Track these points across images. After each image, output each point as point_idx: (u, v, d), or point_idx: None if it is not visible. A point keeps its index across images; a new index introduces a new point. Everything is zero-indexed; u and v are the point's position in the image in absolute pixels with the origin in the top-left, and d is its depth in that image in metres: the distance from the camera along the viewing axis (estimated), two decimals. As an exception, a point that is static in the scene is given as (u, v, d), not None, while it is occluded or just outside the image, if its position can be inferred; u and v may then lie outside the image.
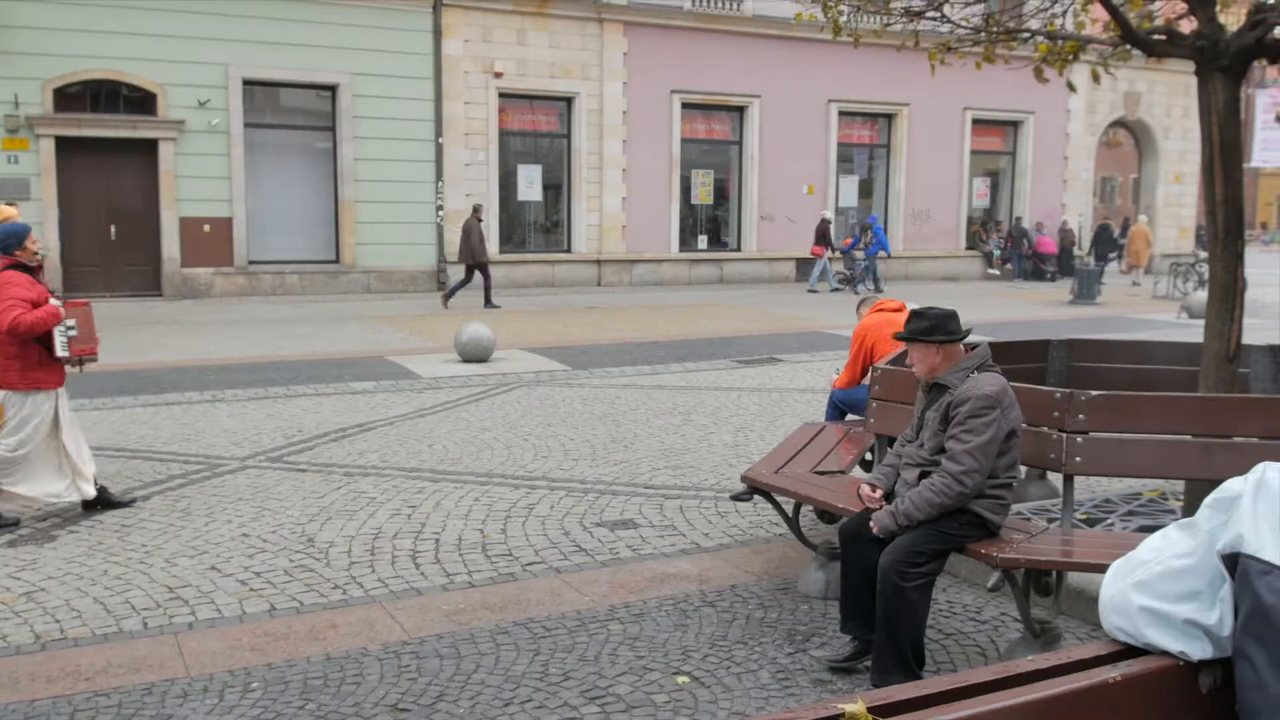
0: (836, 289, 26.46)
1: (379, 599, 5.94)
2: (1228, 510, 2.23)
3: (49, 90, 20.78)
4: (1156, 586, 2.30)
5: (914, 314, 5.10)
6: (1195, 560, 2.27)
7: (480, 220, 21.79)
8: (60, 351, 7.22)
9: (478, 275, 21.71)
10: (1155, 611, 2.29)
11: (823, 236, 26.92)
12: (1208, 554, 2.25)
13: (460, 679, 4.93)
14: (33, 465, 7.28)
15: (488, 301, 21.61)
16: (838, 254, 27.78)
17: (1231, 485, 2.26)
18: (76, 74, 20.98)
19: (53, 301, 7.20)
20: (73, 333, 7.26)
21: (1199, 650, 2.28)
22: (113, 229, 21.63)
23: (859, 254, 27.67)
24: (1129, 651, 2.34)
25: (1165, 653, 2.30)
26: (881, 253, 27.32)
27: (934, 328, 4.95)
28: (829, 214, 27.60)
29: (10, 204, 9.07)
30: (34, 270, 7.29)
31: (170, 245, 22.02)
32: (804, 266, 28.60)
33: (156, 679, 4.93)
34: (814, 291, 26.22)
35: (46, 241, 20.91)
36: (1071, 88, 8.71)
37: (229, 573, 6.33)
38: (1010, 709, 2.12)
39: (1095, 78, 7.43)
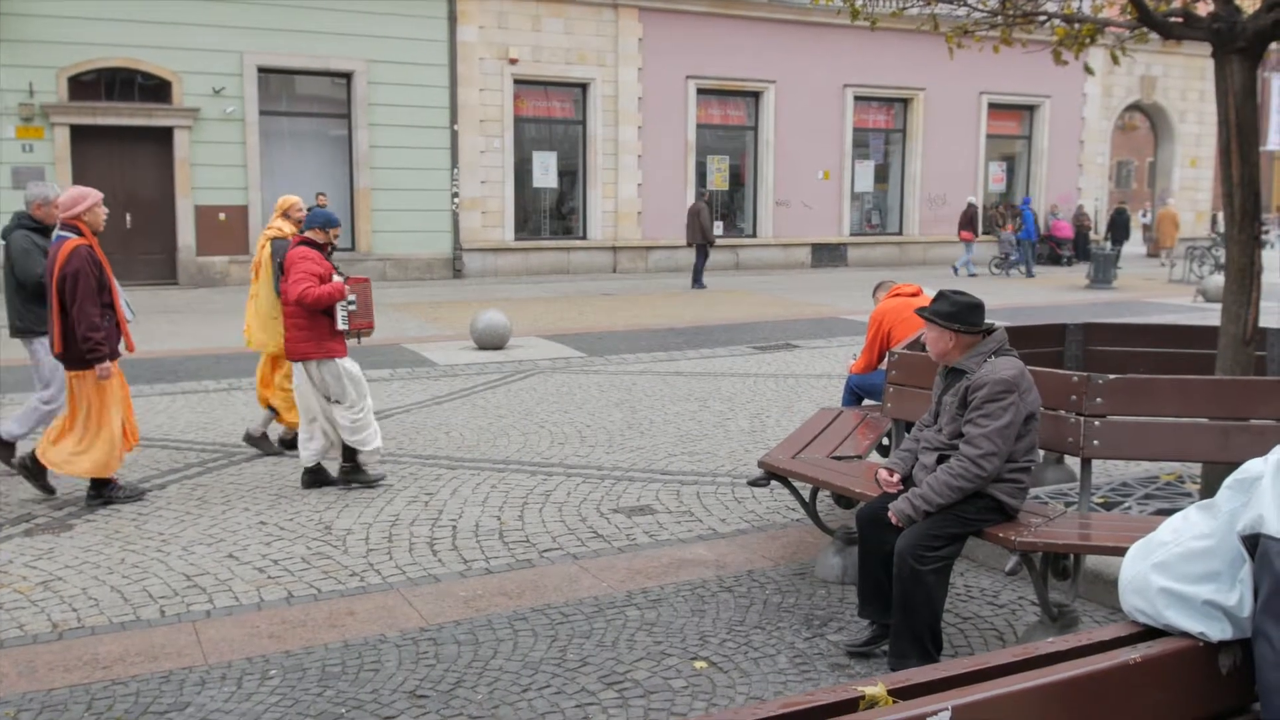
0: (973, 274, 26.82)
1: (397, 586, 5.96)
2: (1248, 491, 2.22)
3: (64, 79, 20.85)
4: (1176, 568, 2.30)
5: (941, 295, 5.07)
6: (1215, 541, 2.26)
7: (707, 203, 23.86)
8: (341, 325, 7.72)
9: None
10: (1175, 593, 2.28)
11: (970, 221, 27.31)
12: (1228, 535, 2.24)
13: (478, 665, 4.94)
14: (370, 419, 7.83)
15: (696, 280, 23.10)
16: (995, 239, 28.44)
17: (1251, 466, 2.25)
18: (91, 62, 21.05)
19: (336, 278, 7.69)
20: (352, 307, 7.77)
21: (1218, 631, 2.27)
22: (128, 217, 21.69)
23: (1005, 235, 28.17)
24: (1149, 633, 2.34)
25: (1185, 634, 2.29)
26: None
27: (955, 314, 4.93)
28: (975, 199, 27.94)
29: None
30: (323, 248, 7.80)
31: (185, 234, 22.09)
32: (819, 252, 28.57)
33: (174, 667, 4.94)
34: (970, 275, 26.63)
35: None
36: (1089, 70, 8.67)
37: (246, 560, 6.36)
38: (1030, 691, 2.12)
39: (1115, 59, 7.39)
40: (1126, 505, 6.67)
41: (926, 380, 5.85)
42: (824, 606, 5.64)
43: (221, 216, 22.17)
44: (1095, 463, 5.89)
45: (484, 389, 11.62)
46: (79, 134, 21.09)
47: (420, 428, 9.74)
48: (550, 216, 26.50)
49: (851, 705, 2.04)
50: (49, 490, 7.57)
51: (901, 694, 2.09)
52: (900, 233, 30.13)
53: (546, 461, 8.58)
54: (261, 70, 22.51)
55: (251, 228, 22.51)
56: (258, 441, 8.89)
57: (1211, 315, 7.94)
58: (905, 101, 29.57)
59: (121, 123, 21.46)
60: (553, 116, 26.09)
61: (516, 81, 24.90)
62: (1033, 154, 31.92)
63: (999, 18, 7.39)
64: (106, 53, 21.11)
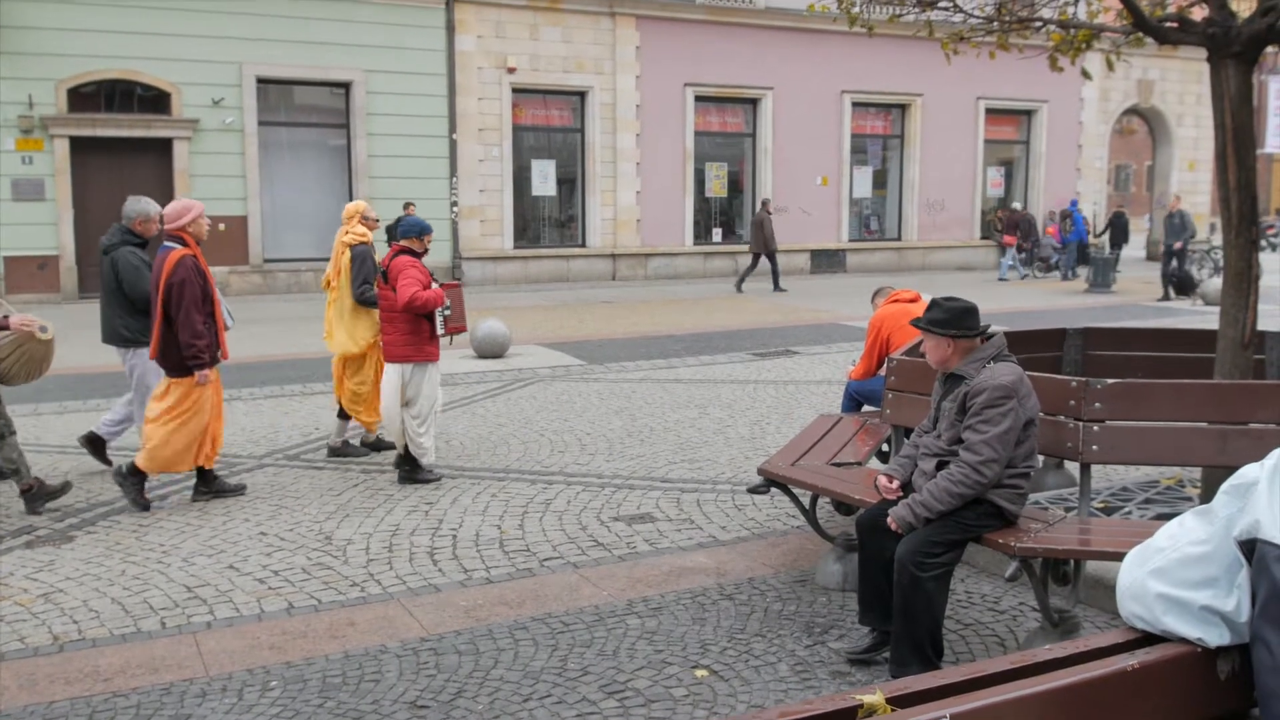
0: (1024, 275, 27.24)
1: (397, 596, 5.96)
2: (1244, 496, 2.23)
3: (63, 90, 20.89)
4: (1173, 573, 2.30)
5: (933, 303, 5.08)
6: (1212, 547, 2.26)
7: (770, 213, 24.65)
8: (439, 330, 8.19)
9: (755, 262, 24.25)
10: (1172, 598, 2.29)
11: (1014, 226, 27.69)
12: (1224, 540, 2.24)
13: (479, 675, 4.94)
14: (430, 432, 8.29)
15: (776, 285, 24.09)
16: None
17: (1248, 471, 2.25)
18: (90, 74, 21.09)
19: (433, 285, 8.17)
20: (448, 312, 8.24)
21: (1216, 636, 2.27)
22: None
23: (1047, 238, 28.60)
24: (1146, 639, 2.34)
25: (1183, 639, 2.30)
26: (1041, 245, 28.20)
27: (949, 321, 4.94)
28: (1020, 204, 28.42)
29: (407, 205, 10.10)
30: (419, 256, 8.28)
31: (185, 245, 22.05)
32: (818, 258, 28.58)
33: (175, 679, 4.94)
34: (1003, 280, 26.91)
35: (61, 242, 21.05)
36: (1086, 75, 8.66)
37: (247, 571, 6.35)
38: (1028, 698, 2.12)
39: (1110, 65, 7.40)
40: (1127, 510, 6.66)
41: (925, 386, 5.85)
42: (825, 614, 5.64)
43: (221, 227, 22.15)
44: (1095, 468, 5.89)
45: (483, 397, 11.62)
46: (78, 145, 21.12)
47: (420, 437, 9.73)
48: (549, 224, 26.51)
49: (850, 714, 2.05)
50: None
51: (900, 702, 2.10)
52: (899, 238, 30.14)
53: (546, 470, 8.58)
54: (260, 81, 22.54)
55: (251, 238, 22.54)
56: (341, 451, 9.08)
57: (1210, 319, 7.94)
58: (903, 107, 29.60)
59: (121, 134, 21.49)
60: (551, 125, 26.12)
61: (515, 90, 24.93)
62: (1031, 159, 31.95)
63: (995, 24, 7.40)
64: (106, 64, 21.15)
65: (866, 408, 7.99)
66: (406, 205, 21.38)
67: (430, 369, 8.19)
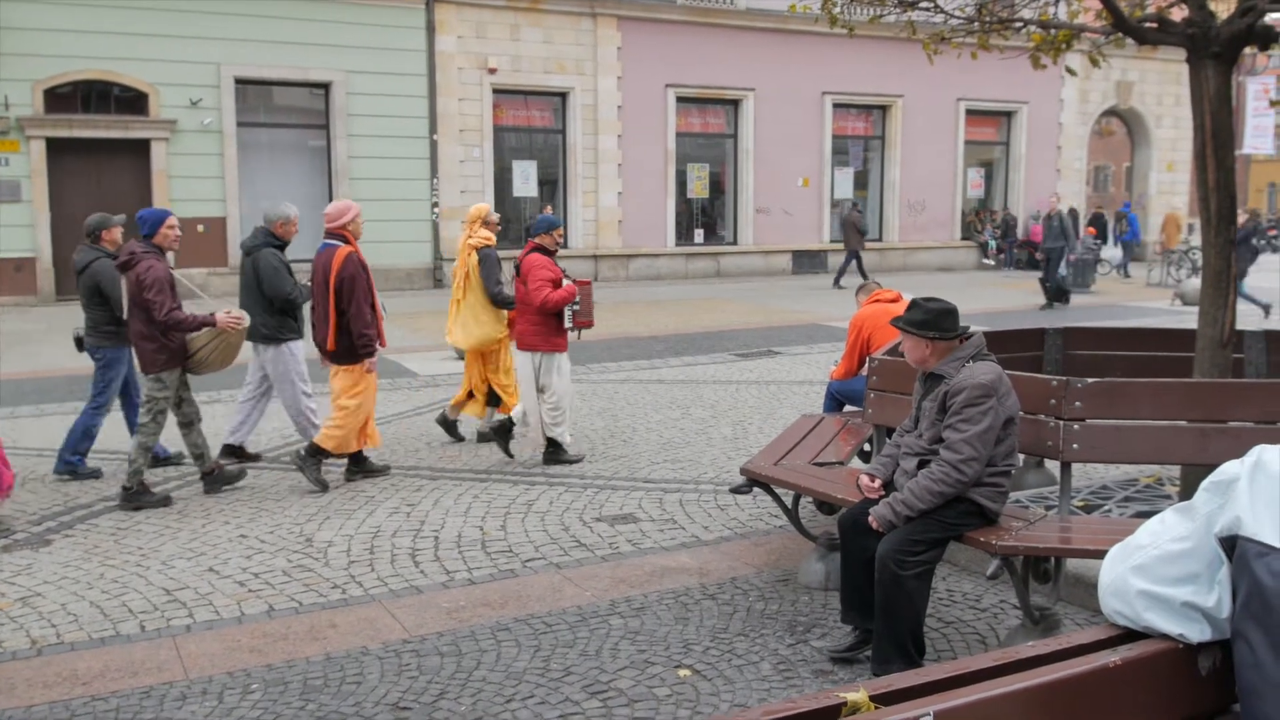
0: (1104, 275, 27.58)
1: (379, 598, 5.94)
2: (1225, 493, 2.23)
3: (39, 91, 20.75)
4: (1155, 570, 2.30)
5: (913, 304, 5.11)
6: (1193, 543, 2.27)
7: (860, 212, 26.09)
8: (567, 324, 8.63)
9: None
10: (1154, 595, 2.29)
11: (1091, 223, 28.95)
12: (1205, 537, 2.25)
13: (461, 676, 4.93)
14: (566, 416, 8.78)
15: (838, 280, 24.96)
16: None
17: (1228, 468, 2.26)
18: (67, 75, 20.95)
19: (565, 281, 8.59)
20: (576, 308, 8.64)
21: (1198, 633, 2.28)
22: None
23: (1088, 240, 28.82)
24: (1128, 635, 2.34)
25: (1164, 636, 2.30)
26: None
27: (928, 322, 4.96)
28: (1073, 205, 29.19)
29: (547, 205, 10.99)
30: (552, 253, 8.66)
31: (165, 246, 21.94)
32: (800, 259, 28.62)
33: (155, 682, 4.91)
34: (1063, 276, 27.10)
35: (38, 243, 20.92)
36: (1071, 71, 8.71)
37: (227, 574, 6.32)
38: (1011, 695, 2.12)
39: (1094, 63, 7.43)
40: (1106, 508, 6.69)
41: (907, 386, 5.86)
42: (807, 612, 5.64)
43: (200, 228, 22.07)
44: (1075, 466, 5.91)
45: (465, 399, 11.57)
46: (55, 147, 20.99)
47: (401, 438, 9.71)
48: (531, 226, 26.42)
49: (834, 712, 2.05)
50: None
51: (883, 699, 2.09)
52: (880, 239, 30.17)
53: (528, 471, 8.57)
54: (239, 81, 22.43)
55: (230, 239, 22.42)
56: (487, 436, 9.45)
57: (1189, 318, 7.98)
58: (884, 109, 29.66)
59: (98, 135, 21.36)
60: (532, 126, 26.09)
61: (495, 91, 24.89)
62: (1011, 160, 32.06)
63: (975, 24, 7.43)
64: (83, 65, 21.02)
65: (848, 408, 8.00)
66: (545, 205, 22.94)
67: (560, 359, 8.63)
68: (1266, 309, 17.75)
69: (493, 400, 9.54)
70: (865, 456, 7.24)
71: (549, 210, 24.25)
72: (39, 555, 6.67)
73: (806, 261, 28.78)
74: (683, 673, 4.92)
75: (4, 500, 7.31)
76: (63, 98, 21.19)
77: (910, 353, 5.08)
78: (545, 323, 8.52)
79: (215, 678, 4.95)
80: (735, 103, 27.69)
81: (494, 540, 6.86)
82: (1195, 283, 19.88)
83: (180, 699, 4.74)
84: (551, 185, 26.31)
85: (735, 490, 6.36)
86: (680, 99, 26.92)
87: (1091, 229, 29.72)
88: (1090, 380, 5.59)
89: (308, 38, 22.63)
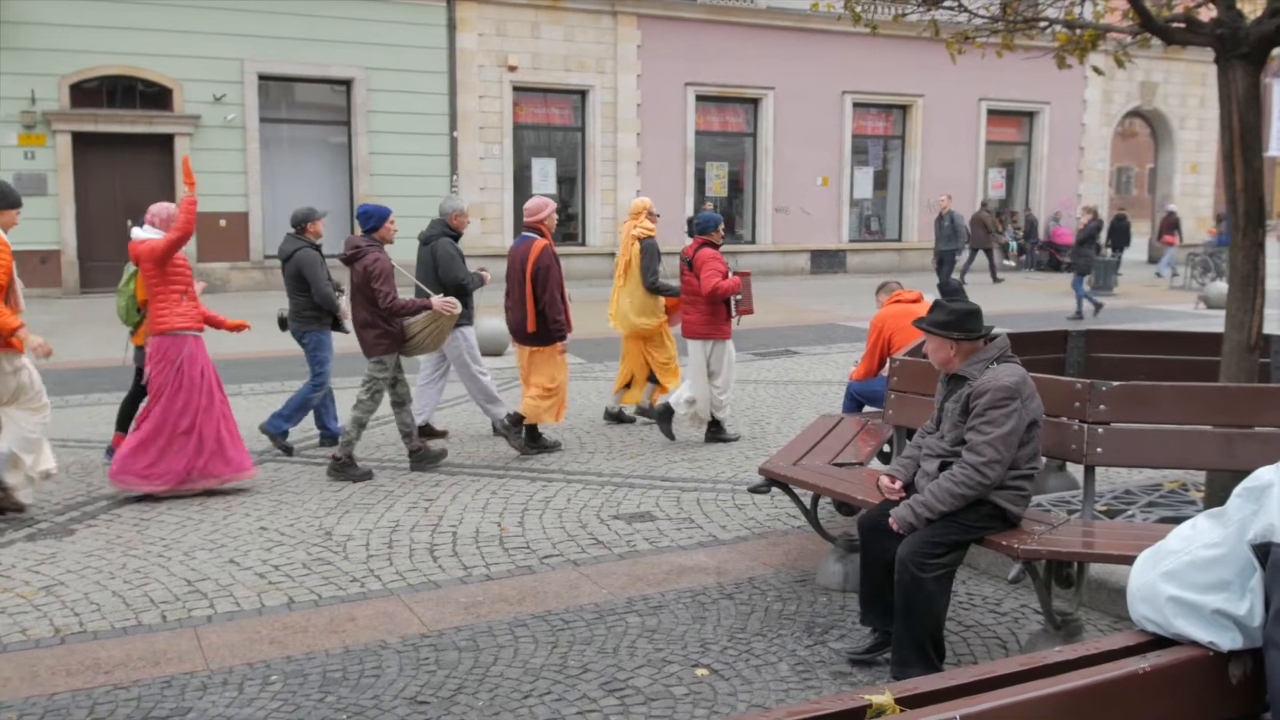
0: (1175, 275, 27.39)
1: (397, 592, 5.95)
2: (1258, 500, 2.21)
3: (65, 86, 20.86)
4: (1185, 576, 2.28)
5: (936, 304, 5.07)
6: (1225, 550, 2.25)
7: (989, 211, 26.95)
8: (731, 312, 9.27)
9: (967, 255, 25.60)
10: (1184, 601, 2.27)
11: (1174, 227, 28.92)
12: (1238, 544, 2.22)
13: (479, 672, 4.93)
14: (729, 399, 9.58)
15: (956, 277, 24.53)
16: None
17: (1262, 474, 2.23)
18: (93, 70, 21.06)
19: (730, 275, 9.21)
20: (739, 297, 9.30)
21: (1229, 641, 2.25)
22: (129, 224, 21.60)
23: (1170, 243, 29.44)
24: (1158, 642, 2.32)
25: (1194, 643, 2.28)
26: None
27: (951, 323, 4.92)
28: (1174, 206, 29.73)
29: (708, 201, 11.99)
30: (717, 247, 9.31)
31: (186, 240, 22.01)
32: (818, 259, 28.55)
33: (176, 672, 4.94)
34: (1160, 276, 28.10)
35: (63, 237, 21.02)
36: (1097, 71, 8.64)
37: (247, 566, 6.35)
38: (1038, 700, 2.11)
39: (1120, 64, 7.38)
40: (1130, 513, 6.65)
41: (928, 387, 5.84)
42: (825, 614, 5.63)
43: (222, 223, 22.13)
44: (1098, 470, 5.87)
45: (484, 395, 11.57)
46: (80, 141, 21.09)
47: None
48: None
49: (858, 714, 2.04)
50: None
51: (909, 702, 2.08)
52: (899, 239, 30.10)
53: (546, 468, 8.57)
54: (262, 78, 22.50)
55: (251, 234, 22.49)
56: (647, 412, 10.27)
57: (1212, 322, 7.93)
58: (904, 108, 29.56)
59: (123, 130, 21.45)
60: (552, 123, 26.09)
61: (515, 88, 24.90)
62: (1032, 160, 31.92)
63: (1000, 23, 7.38)
64: (108, 60, 21.11)
65: (868, 408, 7.97)
66: (707, 202, 23.81)
67: (726, 345, 9.34)
68: None
69: (650, 379, 10.28)
70: (884, 458, 7.21)
71: (709, 207, 24.41)
72: (62, 545, 6.70)
73: (825, 261, 28.72)
74: (700, 672, 4.91)
75: (244, 478, 7.92)
76: (88, 93, 21.27)
77: (934, 354, 5.04)
78: (715, 312, 9.22)
79: (235, 668, 4.97)
80: (755, 101, 27.64)
81: (512, 536, 6.87)
82: (1219, 286, 19.75)
83: (201, 689, 4.76)
84: (570, 183, 26.31)
85: (754, 490, 6.35)
86: (700, 97, 26.88)
87: (1212, 229, 30.02)
88: (1115, 384, 5.55)
89: (330, 35, 22.68)
